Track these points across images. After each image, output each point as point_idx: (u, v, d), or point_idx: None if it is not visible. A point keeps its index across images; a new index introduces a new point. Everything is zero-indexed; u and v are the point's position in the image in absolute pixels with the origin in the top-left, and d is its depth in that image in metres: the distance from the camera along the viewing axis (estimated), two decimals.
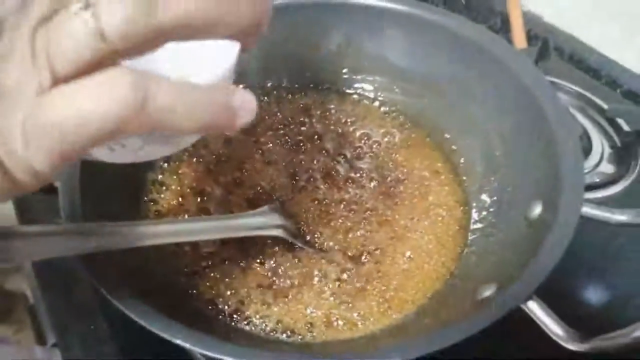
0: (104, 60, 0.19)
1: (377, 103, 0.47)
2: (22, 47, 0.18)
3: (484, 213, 0.39)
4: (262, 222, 0.37)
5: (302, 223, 0.40)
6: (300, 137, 0.45)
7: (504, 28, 0.67)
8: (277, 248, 0.38)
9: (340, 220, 0.40)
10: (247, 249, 0.38)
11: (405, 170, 0.42)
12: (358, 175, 0.43)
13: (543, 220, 0.32)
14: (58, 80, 0.19)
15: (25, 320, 0.89)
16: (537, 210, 0.33)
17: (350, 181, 0.42)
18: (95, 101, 0.18)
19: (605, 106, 0.55)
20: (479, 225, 0.39)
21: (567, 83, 0.58)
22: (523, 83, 0.37)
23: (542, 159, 0.35)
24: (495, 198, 0.39)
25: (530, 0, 0.67)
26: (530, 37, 0.65)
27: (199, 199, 0.41)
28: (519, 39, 0.65)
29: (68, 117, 0.18)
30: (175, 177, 0.42)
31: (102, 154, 0.24)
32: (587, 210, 0.37)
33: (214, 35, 0.20)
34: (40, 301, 0.45)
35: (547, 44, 0.60)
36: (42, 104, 0.19)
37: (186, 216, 0.40)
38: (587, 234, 0.32)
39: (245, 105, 0.22)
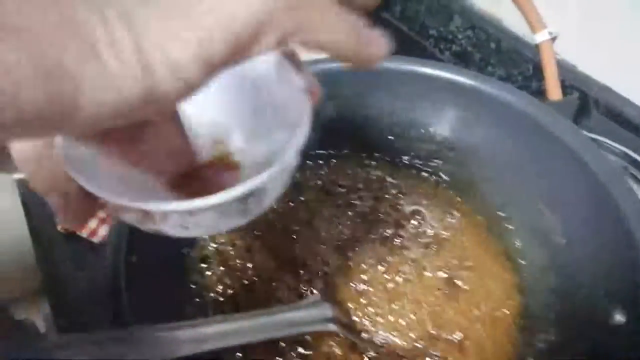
0: None
1: (427, 174, 0.45)
2: None
3: (546, 309, 0.37)
4: (313, 316, 0.35)
5: (353, 310, 0.37)
6: (351, 213, 0.43)
7: (535, 76, 0.65)
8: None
9: (393, 306, 0.37)
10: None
11: (458, 252, 0.40)
12: (411, 258, 0.40)
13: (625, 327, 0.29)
14: None
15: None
16: (617, 316, 0.30)
17: (402, 263, 0.40)
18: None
19: None
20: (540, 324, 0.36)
21: (608, 140, 0.56)
22: (589, 168, 0.35)
23: (614, 253, 0.32)
24: (559, 295, 0.37)
25: (564, 49, 0.65)
26: (565, 87, 0.63)
27: (243, 279, 0.38)
28: (553, 89, 0.63)
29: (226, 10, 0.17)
30: (218, 254, 0.40)
31: (174, 231, 0.22)
32: None
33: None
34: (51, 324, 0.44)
35: (586, 98, 0.58)
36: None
37: (229, 291, 0.37)
38: None
39: (379, 37, 0.21)
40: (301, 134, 0.22)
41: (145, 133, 0.23)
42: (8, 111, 0.14)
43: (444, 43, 0.74)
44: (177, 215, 0.21)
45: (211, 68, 0.17)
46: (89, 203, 0.23)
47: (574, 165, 0.35)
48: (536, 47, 0.64)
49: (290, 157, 0.22)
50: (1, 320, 0.80)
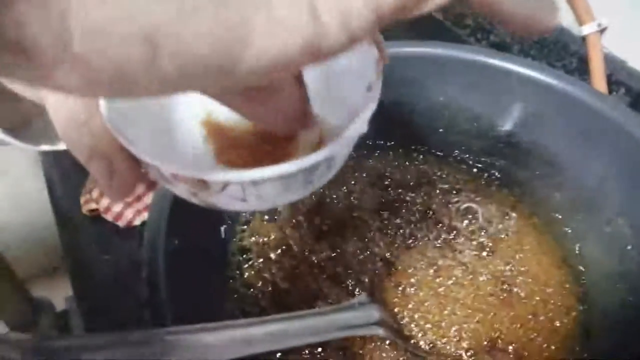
0: None
1: (479, 170, 0.43)
2: None
3: (610, 320, 0.34)
4: (359, 318, 0.33)
5: (400, 314, 0.35)
6: (399, 208, 0.41)
7: (580, 70, 0.62)
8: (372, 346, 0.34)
9: (444, 312, 0.35)
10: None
11: (513, 255, 0.38)
12: (463, 260, 0.38)
13: None
14: None
15: (51, 332, 0.87)
16: None
17: (453, 265, 0.38)
18: None
19: None
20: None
21: None
22: None
23: None
24: (626, 306, 0.34)
25: (612, 42, 0.62)
26: (611, 83, 0.60)
27: (284, 274, 0.37)
28: (599, 84, 0.60)
29: None
30: (258, 247, 0.38)
31: (230, 205, 0.20)
32: None
33: None
34: (74, 308, 0.43)
35: (637, 95, 0.55)
36: None
37: (269, 287, 0.35)
38: None
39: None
40: (373, 101, 0.21)
41: (268, 93, 0.21)
42: (168, 60, 0.12)
43: (480, 33, 0.71)
44: (238, 187, 0.19)
45: (380, 20, 0.15)
46: (135, 171, 0.22)
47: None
48: (582, 40, 0.61)
49: (362, 125, 0.20)
50: (19, 297, 0.80)
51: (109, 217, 0.51)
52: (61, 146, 0.49)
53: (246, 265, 0.37)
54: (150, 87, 0.13)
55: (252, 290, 0.36)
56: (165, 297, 0.28)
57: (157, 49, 0.12)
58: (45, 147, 0.39)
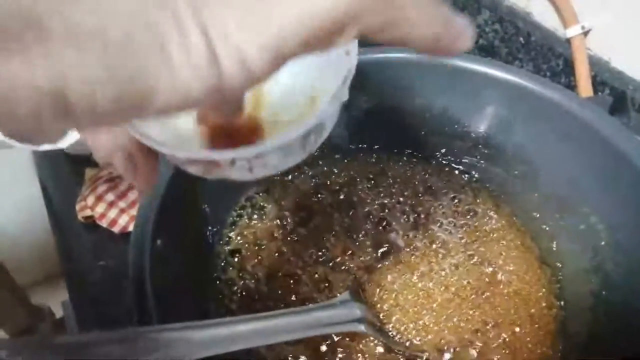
0: None
1: (460, 171, 0.43)
2: None
3: (586, 314, 0.35)
4: (343, 316, 0.34)
5: (383, 312, 0.36)
6: (382, 209, 0.42)
7: (565, 72, 0.63)
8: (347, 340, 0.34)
9: (425, 310, 0.36)
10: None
11: (494, 254, 0.39)
12: (445, 259, 0.39)
13: None
14: None
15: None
16: None
17: (434, 263, 0.38)
18: None
19: None
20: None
21: None
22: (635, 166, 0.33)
23: None
24: (601, 300, 0.35)
25: (596, 44, 0.63)
26: (596, 84, 0.61)
27: (270, 275, 0.37)
28: (584, 85, 0.61)
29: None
30: (245, 248, 0.39)
31: (240, 175, 0.23)
32: None
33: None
34: (71, 314, 0.43)
35: (622, 95, 0.56)
36: None
37: (254, 286, 0.36)
38: None
39: (466, 29, 0.19)
40: (351, 63, 0.22)
41: None
42: (79, 111, 0.14)
43: None
44: (244, 160, 0.22)
45: (282, 60, 0.16)
46: (154, 160, 0.24)
47: (623, 166, 0.33)
48: (567, 42, 0.62)
49: (343, 90, 0.22)
50: (19, 304, 0.81)
51: (103, 223, 0.51)
52: (61, 145, 0.50)
53: (232, 267, 0.38)
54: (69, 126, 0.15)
55: (237, 290, 0.37)
56: (151, 298, 0.29)
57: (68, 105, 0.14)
58: (47, 147, 0.40)
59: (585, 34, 0.61)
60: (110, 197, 0.52)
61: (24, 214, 0.91)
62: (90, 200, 0.52)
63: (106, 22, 0.13)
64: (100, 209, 0.52)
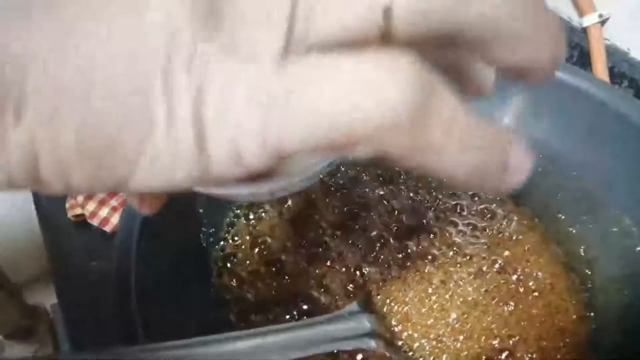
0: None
1: None
2: None
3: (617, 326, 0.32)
4: (349, 329, 0.30)
5: (393, 324, 0.33)
6: (388, 211, 0.39)
7: (581, 63, 0.61)
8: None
9: (442, 322, 0.33)
10: None
11: (515, 260, 0.36)
12: (460, 264, 0.36)
13: None
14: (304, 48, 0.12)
15: (46, 339, 0.85)
16: None
17: (452, 270, 0.35)
18: (366, 89, 0.12)
19: None
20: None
21: None
22: None
23: None
24: (635, 311, 0.32)
25: (614, 33, 0.60)
26: (614, 76, 0.58)
27: (269, 281, 0.35)
28: (601, 77, 0.59)
29: (315, 100, 0.12)
30: (243, 253, 0.36)
31: (261, 198, 0.22)
32: None
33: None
34: (60, 317, 0.43)
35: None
36: (282, 73, 0.12)
37: (253, 295, 0.33)
38: None
39: (522, 162, 0.14)
40: None
41: None
42: (53, 186, 0.13)
43: None
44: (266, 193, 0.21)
45: (282, 159, 0.13)
46: None
47: None
48: (583, 31, 0.59)
49: None
50: (14, 304, 0.78)
51: (95, 222, 0.49)
52: None
53: (228, 272, 0.35)
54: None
55: (236, 298, 0.34)
56: (136, 310, 0.26)
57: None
58: None
59: (603, 22, 0.59)
60: (101, 194, 0.50)
61: (17, 211, 0.89)
62: (81, 197, 0.50)
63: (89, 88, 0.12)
64: (90, 207, 0.50)
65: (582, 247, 0.35)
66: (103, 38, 0.12)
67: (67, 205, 0.51)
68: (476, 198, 0.38)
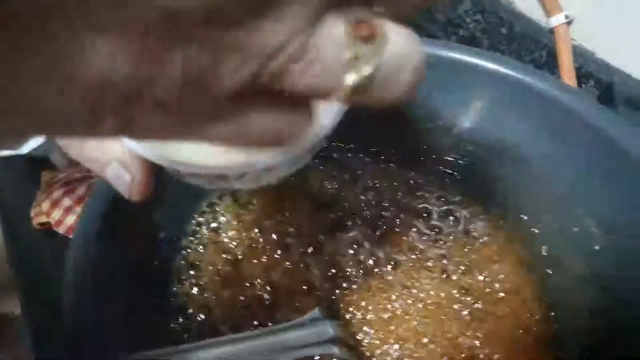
0: None
1: (442, 170, 0.40)
2: None
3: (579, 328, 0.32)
4: (313, 336, 0.30)
5: (359, 330, 0.33)
6: (356, 215, 0.38)
7: (549, 64, 0.61)
8: None
9: (407, 325, 0.33)
10: None
11: (480, 261, 0.36)
12: (425, 265, 0.36)
13: None
14: None
15: (16, 347, 0.83)
16: None
17: (417, 271, 0.35)
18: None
19: None
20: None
21: None
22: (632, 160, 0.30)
23: None
24: (597, 312, 0.32)
25: (581, 34, 0.60)
26: (580, 76, 0.59)
27: (233, 291, 0.34)
28: (568, 77, 0.59)
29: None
30: (206, 262, 0.35)
31: (247, 185, 0.22)
32: None
33: None
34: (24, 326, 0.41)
35: (610, 88, 0.54)
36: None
37: (216, 305, 0.33)
38: None
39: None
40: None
41: None
42: None
43: (450, 27, 0.69)
44: (253, 174, 0.21)
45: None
46: (149, 171, 0.23)
47: (621, 161, 0.30)
48: (551, 32, 0.60)
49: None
50: None
51: (60, 230, 0.48)
52: (21, 151, 0.47)
53: (190, 280, 0.35)
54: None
55: (197, 306, 0.33)
56: (92, 321, 0.26)
57: None
58: (6, 153, 0.37)
59: (569, 23, 0.59)
60: (67, 202, 0.48)
61: None
62: (46, 205, 0.49)
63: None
64: (56, 214, 0.48)
65: (545, 247, 0.36)
66: None
67: (32, 213, 0.49)
68: (440, 202, 0.38)
